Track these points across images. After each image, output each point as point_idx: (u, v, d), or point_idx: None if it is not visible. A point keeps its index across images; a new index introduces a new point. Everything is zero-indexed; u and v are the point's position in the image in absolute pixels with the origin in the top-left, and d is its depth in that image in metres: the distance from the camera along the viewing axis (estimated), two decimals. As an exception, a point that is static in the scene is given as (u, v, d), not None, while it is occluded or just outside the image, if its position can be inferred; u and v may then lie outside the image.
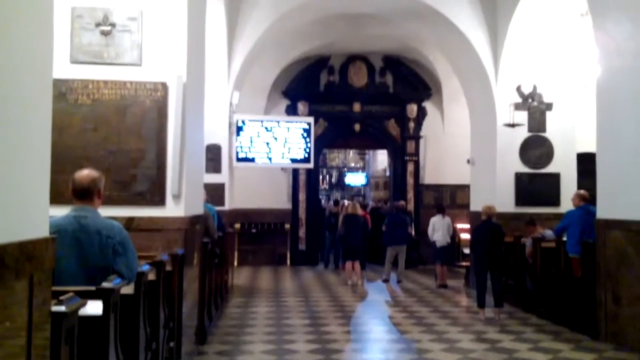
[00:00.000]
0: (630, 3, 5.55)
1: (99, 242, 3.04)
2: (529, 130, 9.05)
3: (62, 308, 1.94)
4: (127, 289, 2.95)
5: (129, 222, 4.43)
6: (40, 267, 1.79)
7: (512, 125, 8.96)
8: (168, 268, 3.88)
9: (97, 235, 3.04)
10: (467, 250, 10.57)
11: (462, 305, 8.34)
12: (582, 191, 7.30)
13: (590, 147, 6.98)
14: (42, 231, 1.84)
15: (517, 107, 9.01)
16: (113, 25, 4.84)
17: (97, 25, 4.83)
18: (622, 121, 5.74)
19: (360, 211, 10.86)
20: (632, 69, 5.56)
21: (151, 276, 3.36)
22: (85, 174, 3.20)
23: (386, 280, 10.42)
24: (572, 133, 9.17)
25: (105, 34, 4.84)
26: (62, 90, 4.68)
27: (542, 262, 7.39)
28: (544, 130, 9.07)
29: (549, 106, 9.06)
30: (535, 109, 9.05)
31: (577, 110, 9.26)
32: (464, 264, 10.97)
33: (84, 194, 3.14)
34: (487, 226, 7.32)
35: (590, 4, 6.30)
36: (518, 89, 9.05)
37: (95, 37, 4.84)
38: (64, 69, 4.66)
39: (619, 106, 5.80)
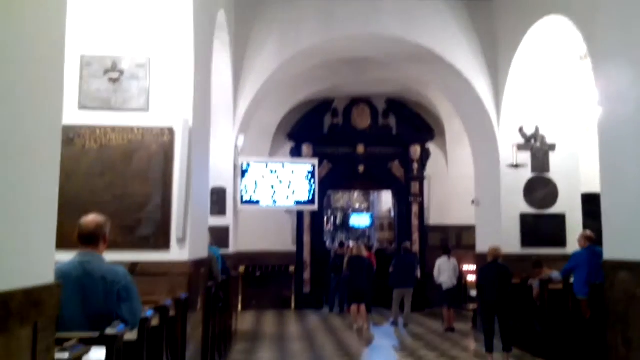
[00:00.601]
0: (629, 45, 5.64)
1: (104, 288, 3.03)
2: (533, 171, 9.07)
3: (66, 355, 1.93)
4: (131, 335, 2.92)
5: (133, 267, 4.41)
6: (45, 314, 1.79)
7: (516, 166, 8.99)
8: (172, 313, 3.85)
9: (101, 281, 3.04)
10: (474, 293, 10.43)
11: (470, 349, 8.19)
12: (587, 232, 7.25)
13: (594, 187, 6.97)
14: (48, 278, 1.85)
15: (520, 148, 9.06)
16: (121, 72, 4.93)
17: (106, 72, 4.91)
18: (625, 162, 5.74)
19: (365, 253, 10.80)
20: (633, 110, 5.61)
21: (155, 322, 3.34)
22: (91, 219, 3.22)
23: (395, 323, 10.28)
24: (576, 174, 9.18)
25: (113, 80, 4.92)
26: (70, 136, 4.73)
27: (550, 304, 7.29)
28: (547, 171, 9.08)
29: (552, 147, 9.10)
30: (538, 149, 9.09)
31: (581, 151, 9.29)
32: (471, 306, 10.81)
33: (90, 239, 3.16)
34: (494, 268, 7.25)
35: (590, 48, 6.41)
36: (520, 130, 9.11)
37: (104, 84, 4.92)
38: (72, 115, 4.71)
39: (622, 147, 5.81)
